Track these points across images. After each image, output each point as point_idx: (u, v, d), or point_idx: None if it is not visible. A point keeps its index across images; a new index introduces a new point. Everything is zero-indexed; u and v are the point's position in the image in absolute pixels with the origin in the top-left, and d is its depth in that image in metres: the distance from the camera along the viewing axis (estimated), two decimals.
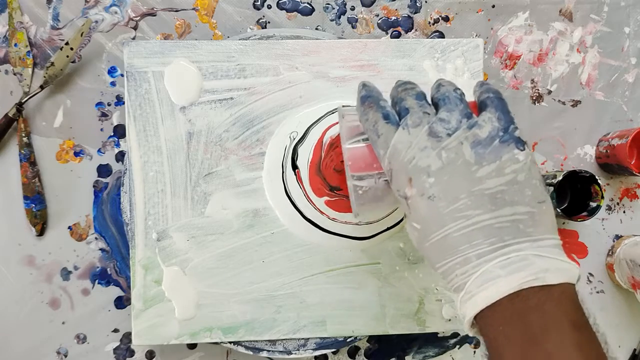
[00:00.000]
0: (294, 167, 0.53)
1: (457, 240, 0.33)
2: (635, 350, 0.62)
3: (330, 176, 0.53)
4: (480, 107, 0.37)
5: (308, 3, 0.60)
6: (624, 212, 0.63)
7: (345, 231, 0.54)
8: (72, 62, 0.58)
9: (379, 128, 0.37)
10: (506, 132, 0.34)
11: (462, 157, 0.34)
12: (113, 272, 0.58)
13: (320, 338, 0.56)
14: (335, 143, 0.53)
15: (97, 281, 0.58)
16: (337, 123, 0.54)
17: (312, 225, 0.54)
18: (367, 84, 0.40)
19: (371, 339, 0.60)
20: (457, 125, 0.34)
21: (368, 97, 0.38)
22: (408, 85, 0.38)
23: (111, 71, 0.59)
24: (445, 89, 0.37)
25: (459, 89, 0.37)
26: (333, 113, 0.54)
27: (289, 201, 0.54)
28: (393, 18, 0.61)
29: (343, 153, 0.42)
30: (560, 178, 0.56)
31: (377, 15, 0.61)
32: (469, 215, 0.33)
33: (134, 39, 0.59)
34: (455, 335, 0.61)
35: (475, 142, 0.34)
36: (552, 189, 0.56)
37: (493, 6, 0.62)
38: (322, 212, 0.53)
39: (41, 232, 0.58)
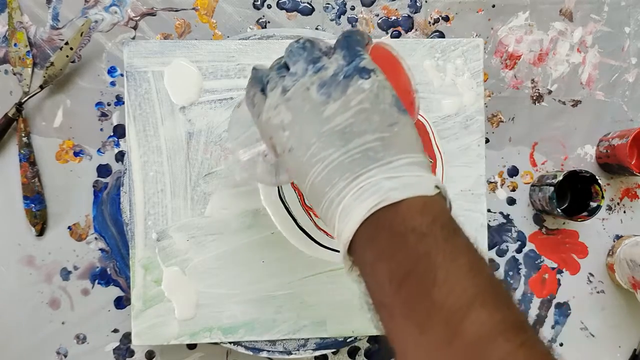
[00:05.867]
0: None
1: (321, 185, 0.33)
2: (635, 350, 0.62)
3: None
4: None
5: (308, 3, 0.60)
6: (624, 212, 0.62)
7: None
8: (72, 62, 0.57)
9: (255, 100, 0.37)
10: (349, 66, 0.33)
11: (310, 102, 0.33)
12: (113, 272, 0.58)
13: (320, 338, 0.55)
14: None
15: (97, 281, 0.58)
16: None
17: (307, 237, 0.52)
18: (255, 67, 0.39)
19: (371, 339, 0.60)
20: (303, 74, 0.34)
21: (252, 78, 0.38)
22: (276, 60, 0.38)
23: (111, 71, 0.59)
24: (290, 44, 0.37)
25: (303, 38, 0.36)
26: None
27: (282, 205, 0.53)
28: (393, 18, 0.61)
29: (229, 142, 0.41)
30: (560, 178, 0.56)
31: (377, 15, 0.61)
32: (324, 158, 0.32)
33: (133, 38, 0.59)
34: None
35: (321, 84, 0.33)
36: (552, 189, 0.56)
37: (493, 6, 0.62)
38: (319, 228, 0.52)
39: (41, 232, 0.57)
